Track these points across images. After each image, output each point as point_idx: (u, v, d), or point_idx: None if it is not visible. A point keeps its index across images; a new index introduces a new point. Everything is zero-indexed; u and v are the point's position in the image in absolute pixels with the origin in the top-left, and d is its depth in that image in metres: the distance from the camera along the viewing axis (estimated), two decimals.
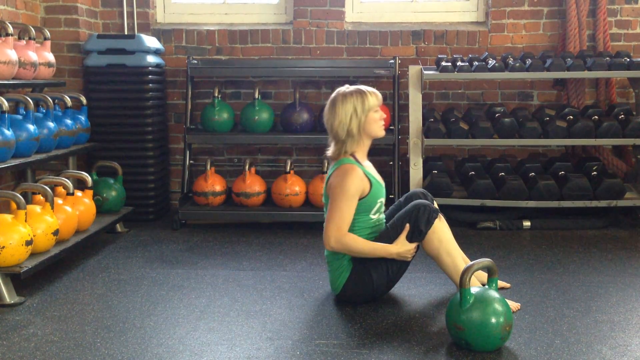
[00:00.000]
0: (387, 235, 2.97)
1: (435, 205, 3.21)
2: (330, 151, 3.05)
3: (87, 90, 4.62)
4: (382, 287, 3.00)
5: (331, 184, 2.95)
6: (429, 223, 2.94)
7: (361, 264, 2.96)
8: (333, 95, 3.02)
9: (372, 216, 3.01)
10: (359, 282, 2.97)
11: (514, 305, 2.90)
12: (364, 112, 2.95)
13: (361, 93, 2.96)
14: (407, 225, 2.94)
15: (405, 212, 2.99)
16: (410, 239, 2.94)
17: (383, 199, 3.07)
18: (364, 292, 2.98)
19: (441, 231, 2.98)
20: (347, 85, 3.05)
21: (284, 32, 4.97)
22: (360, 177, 2.92)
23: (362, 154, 3.04)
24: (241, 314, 2.89)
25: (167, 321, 2.82)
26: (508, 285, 3.22)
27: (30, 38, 3.88)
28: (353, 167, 2.93)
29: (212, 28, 5.01)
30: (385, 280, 2.98)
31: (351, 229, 2.95)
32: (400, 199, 3.26)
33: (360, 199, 2.94)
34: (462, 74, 4.44)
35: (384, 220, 3.11)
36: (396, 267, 2.98)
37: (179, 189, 4.97)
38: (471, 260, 2.67)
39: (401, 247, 2.93)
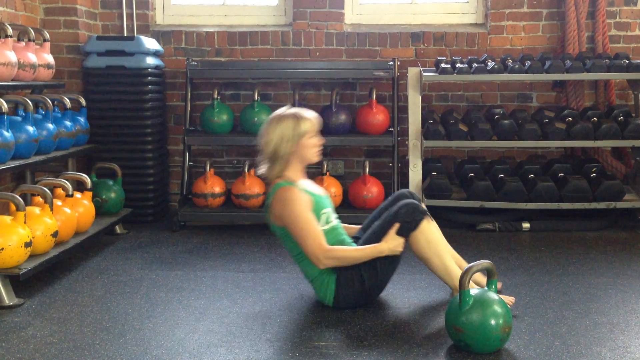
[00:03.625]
0: (375, 236, 2.96)
1: (423, 206, 3.19)
2: (261, 170, 3.06)
3: (86, 91, 4.62)
4: (375, 286, 2.98)
5: (281, 216, 2.93)
6: (415, 222, 2.92)
7: (346, 269, 2.94)
8: (271, 114, 3.04)
9: (323, 227, 2.98)
10: (349, 288, 2.94)
11: (508, 299, 2.89)
12: (295, 137, 2.94)
13: (295, 117, 2.96)
14: (397, 224, 2.93)
15: (391, 212, 2.98)
16: (397, 234, 2.93)
17: (327, 209, 3.05)
18: (357, 294, 2.96)
19: (429, 232, 2.97)
20: (287, 106, 3.06)
21: (283, 34, 4.97)
22: (301, 195, 2.92)
23: (296, 173, 3.02)
24: (240, 316, 2.89)
25: (166, 323, 2.81)
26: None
27: (29, 39, 3.88)
28: (289, 188, 2.93)
29: (211, 30, 5.02)
30: (375, 278, 2.95)
31: None
32: (388, 199, 3.24)
33: None
34: (462, 75, 4.44)
35: (339, 225, 3.09)
36: (385, 263, 2.95)
37: (179, 191, 4.96)
38: (469, 262, 2.67)
39: (391, 242, 2.91)
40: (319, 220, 2.97)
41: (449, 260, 3.01)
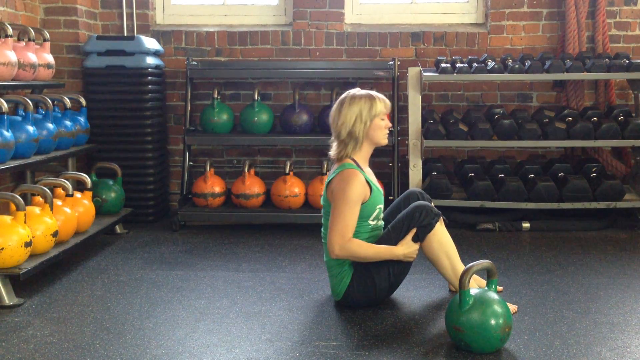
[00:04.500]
0: (388, 237, 2.96)
1: (433, 206, 3.20)
2: (332, 151, 3.04)
3: (86, 91, 4.62)
4: (384, 290, 2.99)
5: (333, 190, 2.93)
6: (430, 226, 2.94)
7: (363, 267, 2.95)
8: (343, 95, 3.02)
9: (370, 222, 2.99)
10: (361, 287, 2.95)
11: (512, 307, 2.90)
12: (369, 117, 2.94)
13: (370, 98, 2.96)
14: (414, 229, 2.93)
15: (405, 214, 2.98)
16: (413, 240, 2.94)
17: (382, 206, 3.06)
18: (366, 296, 2.97)
19: (442, 234, 2.99)
20: (358, 88, 3.05)
21: (283, 34, 4.97)
22: (363, 184, 2.91)
23: (363, 159, 3.02)
24: (240, 316, 2.89)
25: (166, 323, 2.81)
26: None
27: (29, 39, 3.88)
28: (355, 172, 2.92)
29: (211, 29, 5.02)
30: (387, 283, 2.97)
31: None
32: (399, 199, 3.25)
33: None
34: (462, 75, 4.44)
35: (382, 225, 3.11)
36: (398, 270, 2.97)
37: (179, 191, 4.96)
38: (469, 262, 2.66)
39: (407, 248, 2.92)
40: (373, 214, 2.99)
41: (458, 261, 3.03)
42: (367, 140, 2.98)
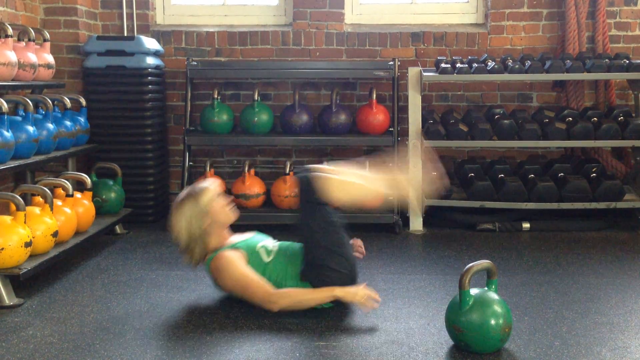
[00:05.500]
0: (306, 238, 2.94)
1: (310, 167, 3.05)
2: (186, 261, 3.05)
3: (86, 91, 4.62)
4: (345, 263, 2.90)
5: (224, 285, 2.94)
6: (317, 187, 2.86)
7: (309, 270, 2.91)
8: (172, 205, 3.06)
9: (266, 260, 2.99)
10: (326, 282, 2.88)
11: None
12: (201, 213, 2.97)
13: (192, 195, 2.99)
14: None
15: (300, 202, 2.97)
16: (321, 215, 2.88)
17: (262, 242, 3.07)
18: (338, 281, 2.89)
19: (331, 180, 2.90)
20: (185, 190, 3.08)
21: (283, 34, 4.97)
22: (234, 256, 2.92)
23: (219, 239, 3.03)
24: (240, 316, 2.89)
25: (166, 323, 2.81)
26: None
27: (29, 39, 3.88)
28: (218, 257, 2.94)
29: (211, 30, 5.02)
30: (337, 257, 2.88)
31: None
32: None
33: None
34: (462, 75, 4.44)
35: (284, 245, 3.08)
36: (334, 238, 2.90)
37: (179, 191, 4.95)
38: (469, 263, 2.66)
39: (348, 293, 2.84)
40: (260, 256, 2.99)
41: (362, 184, 2.96)
42: (213, 229, 3.00)
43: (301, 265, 2.95)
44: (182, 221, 2.98)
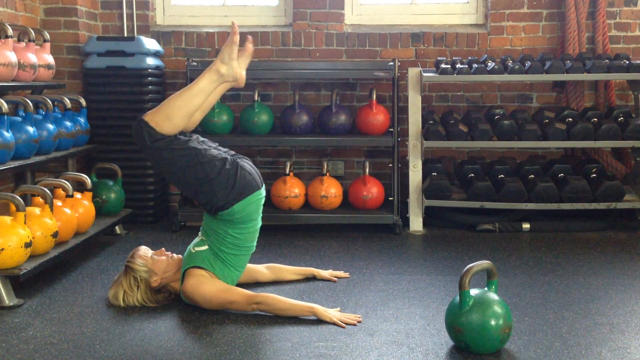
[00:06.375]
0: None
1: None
2: (167, 300, 3.04)
3: (86, 92, 4.62)
4: (214, 162, 2.87)
5: (210, 307, 2.91)
6: (150, 130, 2.78)
7: (204, 204, 2.91)
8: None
9: (204, 247, 2.99)
10: (219, 191, 2.87)
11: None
12: (143, 281, 2.97)
13: (127, 272, 2.98)
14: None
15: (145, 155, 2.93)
16: (166, 154, 2.82)
17: (191, 244, 3.05)
18: (225, 178, 2.89)
19: (155, 113, 2.80)
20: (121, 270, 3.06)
21: (283, 35, 4.98)
22: (196, 281, 2.90)
23: (176, 276, 3.02)
24: (240, 316, 2.89)
25: (166, 323, 2.81)
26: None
27: (29, 40, 3.88)
28: (185, 289, 2.91)
29: (211, 30, 5.02)
30: (202, 170, 2.85)
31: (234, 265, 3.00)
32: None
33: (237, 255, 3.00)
34: (462, 76, 4.44)
35: (203, 223, 3.08)
36: (191, 161, 2.84)
37: (179, 191, 4.96)
38: (469, 263, 2.66)
39: (328, 314, 2.82)
40: (199, 253, 2.98)
41: (185, 93, 2.85)
42: (165, 278, 3.00)
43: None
44: (120, 295, 2.98)
